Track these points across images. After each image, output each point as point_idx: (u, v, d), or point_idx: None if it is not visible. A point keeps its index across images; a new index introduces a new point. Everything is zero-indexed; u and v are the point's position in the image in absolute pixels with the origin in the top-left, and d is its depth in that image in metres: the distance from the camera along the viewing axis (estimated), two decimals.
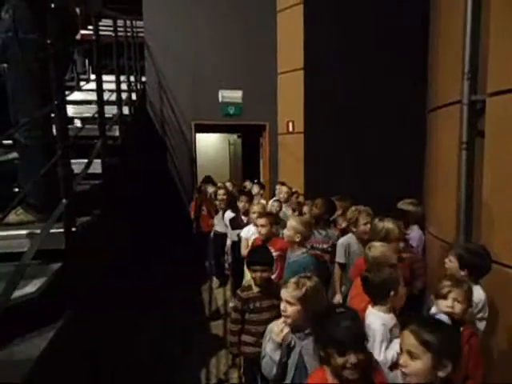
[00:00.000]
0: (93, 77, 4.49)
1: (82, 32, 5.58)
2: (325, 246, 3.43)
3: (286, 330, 1.86)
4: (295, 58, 6.10)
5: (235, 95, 6.45)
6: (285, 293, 1.89)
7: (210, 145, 9.48)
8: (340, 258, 3.15)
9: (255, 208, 3.89)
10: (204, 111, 6.37)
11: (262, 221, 3.37)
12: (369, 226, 3.01)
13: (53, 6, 1.74)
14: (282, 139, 6.63)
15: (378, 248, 2.37)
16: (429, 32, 3.94)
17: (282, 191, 4.87)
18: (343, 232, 3.49)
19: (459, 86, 2.91)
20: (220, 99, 6.42)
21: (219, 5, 6.25)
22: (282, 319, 1.89)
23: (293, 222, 3.00)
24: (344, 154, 5.92)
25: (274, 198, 4.93)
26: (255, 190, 5.50)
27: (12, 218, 1.95)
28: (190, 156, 6.47)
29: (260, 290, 2.47)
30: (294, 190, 5.22)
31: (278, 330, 1.87)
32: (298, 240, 2.94)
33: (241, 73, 6.38)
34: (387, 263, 2.12)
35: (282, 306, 1.88)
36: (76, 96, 5.17)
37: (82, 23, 5.96)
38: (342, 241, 3.20)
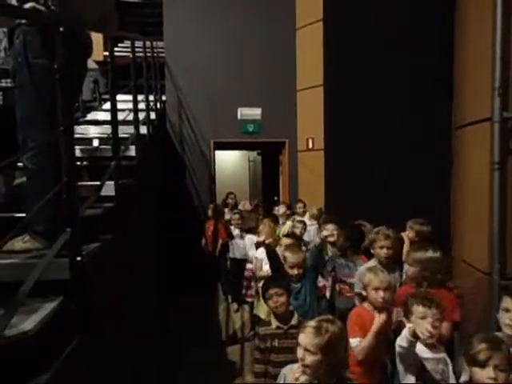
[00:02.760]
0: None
1: (105, 53, 5.69)
2: (353, 280, 3.06)
3: (303, 379, 1.59)
4: (315, 75, 6.02)
5: (254, 113, 6.41)
6: (303, 339, 1.62)
7: (229, 161, 9.45)
8: (358, 287, 2.84)
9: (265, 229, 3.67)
10: (223, 129, 6.35)
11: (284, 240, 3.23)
12: (385, 250, 2.84)
13: (61, 30, 1.70)
14: (301, 156, 6.51)
15: None
16: (454, 46, 3.79)
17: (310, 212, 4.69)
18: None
19: (489, 103, 2.74)
20: (239, 117, 6.39)
21: (239, 23, 6.27)
22: (298, 365, 1.63)
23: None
24: (365, 171, 5.75)
25: (298, 219, 4.75)
26: (281, 210, 5.28)
27: (18, 245, 1.90)
28: (209, 174, 6.43)
29: (279, 324, 2.29)
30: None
31: (292, 378, 1.63)
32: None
33: (260, 90, 6.35)
34: None
35: (300, 353, 1.61)
36: (98, 116, 5.25)
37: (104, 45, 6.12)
38: (360, 269, 2.96)
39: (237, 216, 4.79)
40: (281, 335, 2.26)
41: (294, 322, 2.30)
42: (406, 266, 2.75)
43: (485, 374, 1.57)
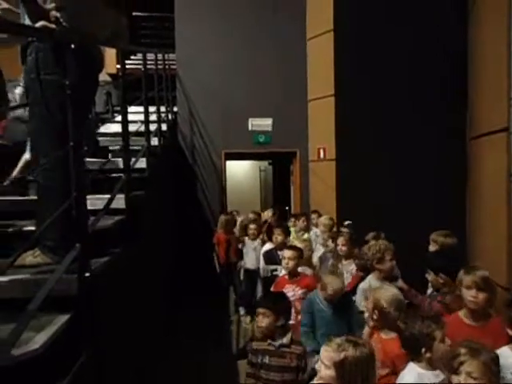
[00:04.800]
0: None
1: (118, 66, 5.78)
2: None
3: None
4: (326, 85, 6.01)
5: (265, 123, 6.41)
6: (323, 351, 1.66)
7: (240, 171, 9.45)
8: (359, 305, 2.80)
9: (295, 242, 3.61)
10: (234, 140, 6.36)
11: (288, 253, 3.14)
12: (394, 262, 2.78)
13: (72, 46, 1.72)
14: (313, 166, 6.47)
15: None
16: (468, 56, 3.74)
17: (320, 223, 4.60)
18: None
19: (505, 113, 2.68)
20: (250, 127, 6.40)
21: (249, 34, 6.31)
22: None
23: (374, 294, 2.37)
24: (378, 182, 5.68)
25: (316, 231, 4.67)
26: (300, 222, 5.05)
27: (29, 260, 1.90)
28: (219, 185, 6.43)
29: (271, 341, 2.24)
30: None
31: None
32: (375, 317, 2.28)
33: (270, 101, 6.36)
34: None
35: (318, 363, 1.67)
36: (111, 128, 5.31)
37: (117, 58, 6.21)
38: (361, 286, 2.90)
39: (253, 226, 4.75)
40: (272, 352, 2.23)
41: (285, 340, 2.24)
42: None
43: (455, 379, 1.55)
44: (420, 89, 5.68)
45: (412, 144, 5.70)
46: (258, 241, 4.76)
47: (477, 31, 3.37)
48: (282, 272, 3.56)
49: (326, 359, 1.61)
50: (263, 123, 6.41)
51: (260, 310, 2.29)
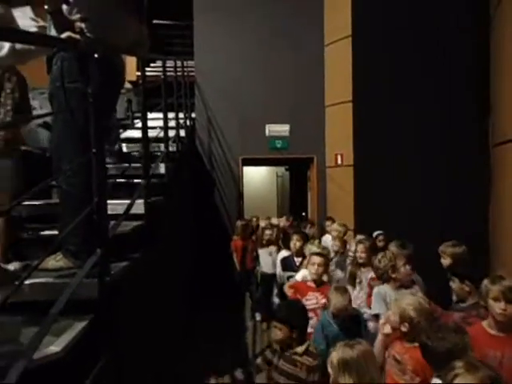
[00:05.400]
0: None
1: (138, 73, 5.89)
2: None
3: None
4: (344, 91, 5.98)
5: (282, 129, 6.42)
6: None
7: (257, 177, 9.47)
8: (376, 308, 2.77)
9: (313, 248, 3.52)
10: (251, 145, 6.39)
11: (317, 259, 3.06)
12: (408, 267, 2.73)
13: (96, 56, 1.76)
14: (330, 172, 6.44)
15: None
16: (489, 60, 3.67)
17: (332, 229, 4.56)
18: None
19: None
20: (267, 133, 6.41)
21: (267, 41, 6.35)
22: None
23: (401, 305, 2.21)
24: (398, 189, 5.61)
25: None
26: (307, 229, 5.12)
27: (51, 263, 1.94)
28: (237, 190, 6.46)
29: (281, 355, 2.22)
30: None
31: None
32: (404, 330, 2.14)
33: (288, 107, 6.37)
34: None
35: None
36: (131, 134, 5.40)
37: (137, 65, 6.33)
38: (377, 290, 2.87)
39: (269, 232, 4.74)
40: (286, 357, 2.22)
41: (299, 349, 2.22)
42: None
43: None
44: (440, 94, 5.60)
45: (432, 150, 5.62)
46: (274, 247, 4.75)
47: (500, 35, 3.31)
48: (299, 278, 3.52)
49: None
50: (280, 129, 6.42)
51: (276, 323, 2.26)
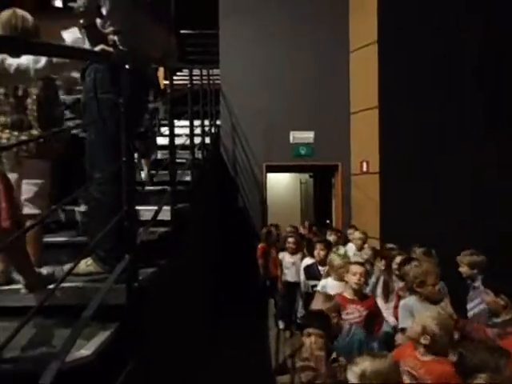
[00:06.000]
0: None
1: (165, 82, 6.01)
2: None
3: None
4: (369, 97, 5.92)
5: (307, 136, 6.40)
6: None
7: (280, 183, 9.45)
8: (403, 322, 2.66)
9: (335, 257, 3.43)
10: (275, 152, 6.40)
11: (359, 268, 2.90)
12: (437, 287, 2.64)
13: (127, 67, 1.81)
14: (355, 180, 6.36)
15: None
16: None
17: (355, 237, 4.51)
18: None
19: None
20: (291, 140, 6.41)
21: (292, 49, 6.37)
22: None
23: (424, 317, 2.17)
24: (424, 196, 5.49)
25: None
26: (330, 237, 4.96)
27: (82, 268, 2.00)
28: (260, 197, 6.47)
29: (316, 363, 2.17)
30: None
31: None
32: (424, 342, 2.07)
33: (312, 114, 6.35)
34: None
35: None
36: (157, 141, 5.50)
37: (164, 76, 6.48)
38: (404, 302, 2.78)
39: (292, 240, 4.72)
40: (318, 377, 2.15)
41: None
42: None
43: None
44: (468, 101, 5.48)
45: (461, 157, 5.47)
46: (298, 255, 4.72)
47: None
48: (324, 287, 3.45)
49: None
50: (305, 136, 6.41)
51: (313, 330, 2.21)
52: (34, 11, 2.11)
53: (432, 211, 5.38)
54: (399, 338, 2.77)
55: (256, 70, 6.41)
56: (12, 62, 1.55)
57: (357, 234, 4.53)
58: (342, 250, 4.28)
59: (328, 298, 2.72)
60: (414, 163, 5.57)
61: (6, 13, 1.97)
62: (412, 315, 2.69)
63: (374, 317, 2.85)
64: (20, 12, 2.00)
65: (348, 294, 2.90)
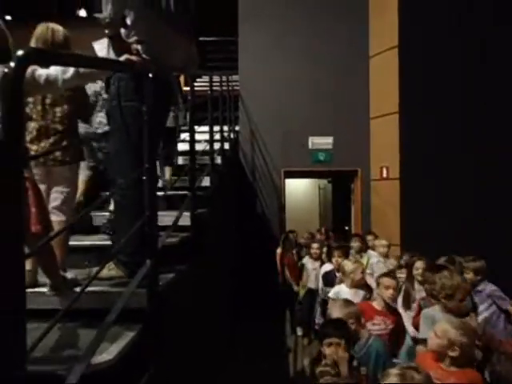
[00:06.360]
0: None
1: (185, 88, 6.10)
2: None
3: None
4: (389, 102, 5.86)
5: (326, 141, 6.37)
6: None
7: (299, 188, 9.41)
8: (425, 333, 2.53)
9: (349, 264, 3.35)
10: (294, 158, 6.39)
11: (391, 282, 2.83)
12: (464, 303, 2.56)
13: (150, 75, 1.85)
14: (375, 185, 6.29)
15: None
16: None
17: (377, 245, 4.41)
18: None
19: None
20: (310, 146, 6.40)
21: (310, 53, 6.37)
22: None
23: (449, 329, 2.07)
24: (445, 202, 5.38)
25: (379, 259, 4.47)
26: (353, 243, 4.75)
27: (104, 272, 2.03)
28: (278, 202, 6.47)
29: (336, 374, 2.14)
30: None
31: None
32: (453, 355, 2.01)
33: (331, 119, 6.33)
34: None
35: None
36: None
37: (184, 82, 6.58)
38: (426, 312, 2.68)
39: (316, 245, 4.70)
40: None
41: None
42: None
43: None
44: (490, 106, 5.36)
45: (483, 162, 5.34)
46: (318, 261, 4.69)
47: None
48: (337, 294, 3.39)
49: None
50: (324, 141, 6.38)
51: (333, 339, 2.16)
52: (59, 20, 2.20)
53: (456, 217, 5.26)
54: (420, 349, 2.70)
55: (275, 75, 6.42)
56: (42, 73, 1.61)
57: (381, 241, 4.44)
58: (365, 257, 4.23)
59: (347, 303, 2.69)
60: (436, 169, 5.48)
61: (40, 27, 2.10)
62: (433, 326, 2.63)
63: (399, 332, 2.81)
64: (52, 25, 2.13)
65: (377, 305, 2.85)
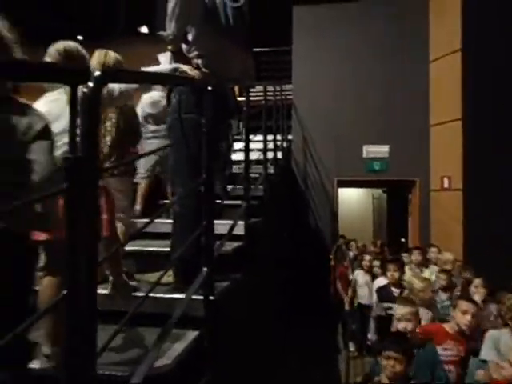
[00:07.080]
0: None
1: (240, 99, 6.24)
2: None
3: None
4: (452, 109, 5.56)
5: (381, 150, 6.17)
6: None
7: (352, 197, 9.19)
8: (487, 354, 2.37)
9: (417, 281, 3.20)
10: (347, 167, 6.25)
11: (471, 307, 2.56)
12: None
13: (209, 88, 1.91)
14: (435, 196, 5.97)
15: None
16: None
17: (444, 259, 4.14)
18: None
19: None
20: (364, 155, 6.23)
21: (364, 58, 6.22)
22: None
23: None
24: None
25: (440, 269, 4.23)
26: (414, 256, 4.53)
27: (163, 279, 2.11)
28: (331, 212, 6.35)
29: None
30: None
31: None
32: None
33: (387, 126, 6.12)
34: None
35: None
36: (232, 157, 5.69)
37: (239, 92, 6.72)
38: (491, 333, 2.50)
39: (368, 257, 4.55)
40: None
41: None
42: None
43: None
44: None
45: None
46: (369, 275, 4.53)
47: None
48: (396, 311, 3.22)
49: None
50: (379, 150, 6.18)
51: (394, 354, 2.07)
52: (123, 37, 2.35)
53: None
54: (480, 374, 2.50)
55: (328, 83, 6.35)
56: (114, 87, 1.73)
57: (447, 256, 4.15)
58: (426, 272, 4.02)
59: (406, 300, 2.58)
60: (503, 179, 5.10)
61: (97, 53, 2.21)
62: (496, 348, 2.43)
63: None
64: (106, 50, 2.22)
65: (449, 328, 2.62)
